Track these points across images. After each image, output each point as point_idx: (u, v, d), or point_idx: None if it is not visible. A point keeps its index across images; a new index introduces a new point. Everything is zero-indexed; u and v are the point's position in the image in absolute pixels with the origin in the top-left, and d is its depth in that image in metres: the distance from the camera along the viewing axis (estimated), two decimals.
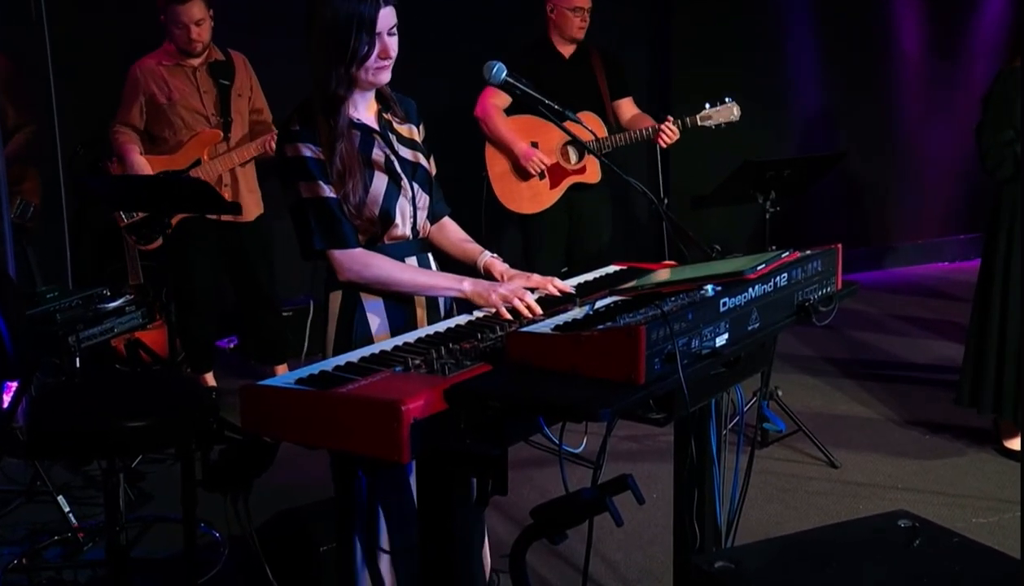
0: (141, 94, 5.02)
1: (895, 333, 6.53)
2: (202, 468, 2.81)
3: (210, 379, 5.37)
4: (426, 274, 2.65)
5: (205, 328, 5.40)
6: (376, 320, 2.63)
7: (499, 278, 2.72)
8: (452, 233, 2.88)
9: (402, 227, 2.66)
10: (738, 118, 4.95)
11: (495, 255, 2.82)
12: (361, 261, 2.57)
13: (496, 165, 5.05)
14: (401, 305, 2.66)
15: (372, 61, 2.53)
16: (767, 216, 4.62)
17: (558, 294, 2.64)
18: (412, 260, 2.70)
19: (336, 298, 2.66)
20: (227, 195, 5.06)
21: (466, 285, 2.59)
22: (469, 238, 2.90)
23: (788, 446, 4.62)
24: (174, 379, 3.76)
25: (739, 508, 2.77)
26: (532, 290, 2.65)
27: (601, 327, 2.01)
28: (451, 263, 2.86)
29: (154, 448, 3.85)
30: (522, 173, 5.03)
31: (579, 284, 2.86)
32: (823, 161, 4.85)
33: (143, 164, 4.96)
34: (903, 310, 7.11)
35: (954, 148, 8.19)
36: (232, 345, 6.23)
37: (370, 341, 2.58)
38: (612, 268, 3.07)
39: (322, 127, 2.53)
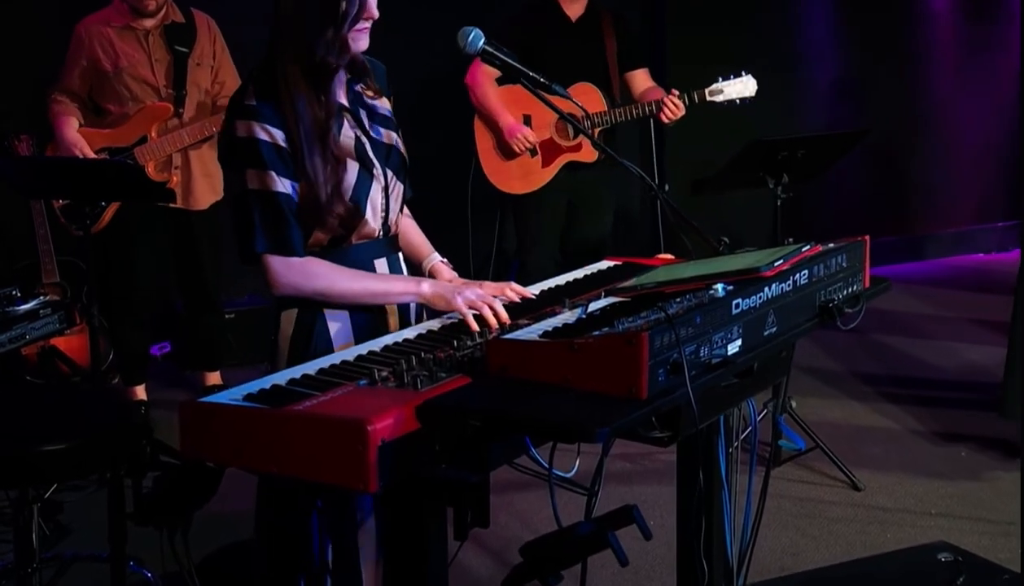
0: (84, 58, 4.96)
1: (925, 334, 6.56)
2: (133, 498, 2.78)
3: (140, 392, 5.35)
4: (377, 279, 2.59)
5: (143, 333, 5.39)
6: (339, 338, 2.58)
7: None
8: (409, 235, 2.86)
9: (372, 223, 2.60)
10: (754, 94, 5.02)
11: (444, 260, 2.82)
12: (300, 271, 2.50)
13: (484, 140, 5.17)
14: (369, 317, 2.62)
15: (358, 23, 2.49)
16: (778, 203, 4.64)
17: (517, 300, 2.60)
18: (382, 262, 2.66)
19: (289, 318, 2.59)
20: (176, 179, 5.03)
21: (425, 288, 2.55)
22: (419, 232, 2.89)
23: (803, 465, 4.63)
24: (98, 393, 3.73)
25: (752, 539, 2.77)
26: None
27: (597, 333, 2.01)
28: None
29: (75, 475, 3.81)
30: (505, 149, 5.14)
31: (568, 282, 2.86)
32: (843, 139, 4.86)
33: (75, 141, 4.88)
34: (934, 308, 7.15)
35: (991, 122, 8.24)
36: (164, 351, 6.19)
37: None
38: (605, 264, 3.08)
39: (296, 105, 2.44)
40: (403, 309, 2.69)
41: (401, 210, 2.74)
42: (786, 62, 7.75)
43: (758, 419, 2.78)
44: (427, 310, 2.69)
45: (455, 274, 2.78)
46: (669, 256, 5.18)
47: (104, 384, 5.24)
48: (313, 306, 2.56)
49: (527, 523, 4.16)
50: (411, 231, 2.88)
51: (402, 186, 2.69)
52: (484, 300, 2.48)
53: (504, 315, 2.47)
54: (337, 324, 2.58)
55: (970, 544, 3.68)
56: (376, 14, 2.52)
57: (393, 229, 2.70)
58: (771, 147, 4.52)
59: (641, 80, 5.27)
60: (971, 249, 8.59)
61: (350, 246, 2.59)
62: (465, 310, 2.47)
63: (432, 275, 2.77)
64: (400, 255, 2.77)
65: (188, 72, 5.03)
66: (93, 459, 2.80)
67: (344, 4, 2.44)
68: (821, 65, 7.99)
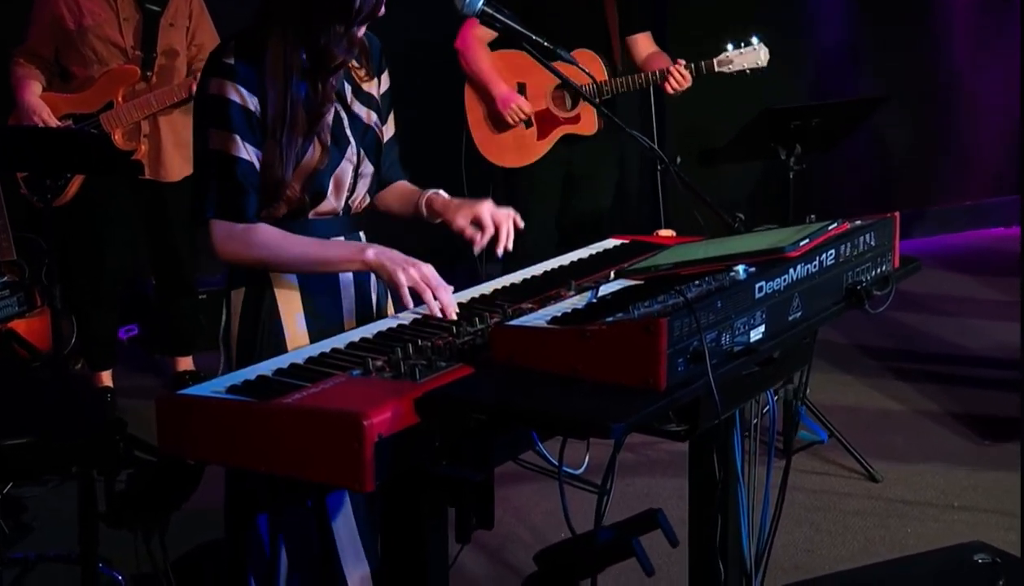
0: (47, 16, 4.90)
1: (940, 313, 6.53)
2: (105, 498, 2.73)
3: (106, 378, 5.30)
4: (319, 244, 2.57)
5: (112, 315, 5.35)
6: (289, 315, 2.60)
7: (440, 211, 2.68)
8: (398, 189, 2.84)
9: (334, 201, 2.61)
10: (765, 64, 4.91)
11: (437, 190, 2.75)
12: (243, 238, 2.50)
13: (475, 109, 5.09)
14: (321, 291, 2.62)
15: None
16: (791, 175, 4.61)
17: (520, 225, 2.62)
18: (339, 240, 2.65)
19: (239, 297, 2.63)
20: (143, 148, 4.97)
21: (370, 254, 2.48)
22: (414, 187, 2.86)
23: (817, 455, 4.61)
24: (64, 381, 3.68)
25: (770, 537, 2.74)
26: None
27: (610, 319, 1.98)
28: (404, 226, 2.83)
29: (40, 472, 3.76)
30: (497, 119, 5.06)
31: (572, 262, 2.83)
32: (860, 106, 4.86)
33: (36, 107, 4.83)
34: (949, 286, 7.12)
35: (1008, 90, 8.20)
36: (131, 334, 6.14)
37: (281, 340, 2.57)
38: (610, 242, 3.05)
39: (291, 82, 2.46)
40: (361, 287, 2.68)
41: (372, 192, 2.73)
42: (792, 26, 7.69)
43: (775, 407, 2.77)
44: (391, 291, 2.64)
45: (449, 197, 2.72)
46: (670, 232, 5.18)
47: (68, 370, 5.18)
48: (261, 283, 2.59)
49: (524, 519, 4.13)
50: (405, 191, 2.83)
51: (373, 168, 2.70)
52: (428, 283, 2.40)
53: (451, 310, 2.38)
54: (287, 300, 2.60)
55: (997, 539, 3.65)
56: (383, 12, 2.52)
57: (354, 209, 2.70)
58: (783, 116, 4.50)
59: (644, 45, 5.17)
60: (990, 223, 8.56)
61: (307, 220, 2.60)
62: (404, 290, 2.42)
63: (429, 206, 2.71)
64: (361, 234, 2.75)
65: (159, 33, 4.98)
66: (61, 455, 2.75)
67: (358, 1, 2.43)
68: (828, 29, 7.95)
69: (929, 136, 8.36)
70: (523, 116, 4.99)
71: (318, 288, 2.63)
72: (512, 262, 5.16)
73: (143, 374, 5.74)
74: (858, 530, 4.05)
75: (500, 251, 2.60)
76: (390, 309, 2.77)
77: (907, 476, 4.46)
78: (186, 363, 5.47)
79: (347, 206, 2.65)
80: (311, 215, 2.59)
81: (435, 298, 2.39)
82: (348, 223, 2.68)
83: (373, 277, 2.69)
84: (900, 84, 7.94)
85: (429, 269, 2.46)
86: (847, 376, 5.57)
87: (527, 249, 5.12)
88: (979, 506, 4.19)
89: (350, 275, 2.66)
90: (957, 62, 8.33)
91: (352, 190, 2.64)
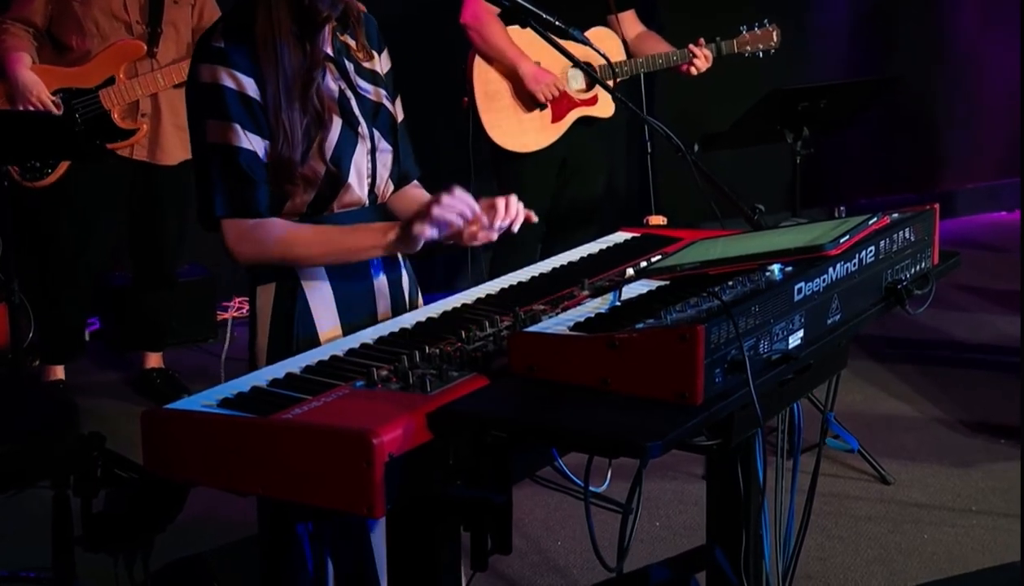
0: None
1: (950, 304, 6.47)
2: (82, 519, 2.63)
3: (59, 371, 5.20)
4: (342, 232, 2.47)
5: (83, 306, 5.27)
6: (325, 317, 2.49)
7: None
8: (412, 199, 2.72)
9: (358, 189, 2.51)
10: (777, 45, 4.94)
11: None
12: (256, 237, 2.41)
13: (487, 86, 4.90)
14: (354, 288, 2.53)
15: None
16: (798, 160, 4.56)
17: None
18: (362, 225, 2.54)
19: (267, 294, 2.51)
20: (145, 127, 4.90)
21: (392, 236, 2.41)
22: (427, 195, 2.74)
23: (825, 456, 4.52)
24: (28, 383, 3.59)
25: (796, 551, 2.68)
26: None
27: (641, 326, 1.90)
28: None
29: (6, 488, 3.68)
30: (524, 99, 4.89)
31: (582, 258, 2.76)
32: (870, 87, 4.82)
33: (31, 83, 4.70)
34: (958, 274, 7.04)
35: (1020, 68, 8.20)
36: (91, 329, 6.03)
37: (317, 344, 2.43)
38: (621, 236, 2.98)
39: (279, 50, 2.38)
40: (395, 288, 2.61)
41: (394, 178, 2.64)
42: (794, 3, 7.65)
43: (800, 414, 2.71)
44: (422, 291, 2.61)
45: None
46: (661, 218, 5.11)
47: (30, 370, 5.08)
48: (290, 279, 2.49)
49: (518, 527, 4.04)
50: (418, 194, 2.75)
51: (391, 149, 2.60)
52: (456, 209, 2.35)
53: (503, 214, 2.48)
54: (318, 298, 2.50)
55: (1017, 546, 3.61)
56: None
57: (380, 198, 2.61)
58: (791, 97, 4.46)
59: (630, 23, 5.07)
60: (994, 207, 8.55)
61: (332, 215, 2.50)
62: (431, 232, 2.34)
63: None
64: None
65: (164, 8, 4.91)
66: (32, 468, 2.65)
67: None
68: (832, 6, 7.90)
69: (937, 114, 8.37)
70: (557, 93, 4.84)
71: (351, 290, 2.54)
72: (498, 249, 5.11)
73: (105, 370, 5.63)
74: (872, 536, 4.00)
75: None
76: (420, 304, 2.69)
77: (920, 478, 4.42)
78: (156, 360, 5.37)
79: (372, 194, 2.57)
80: (336, 208, 2.50)
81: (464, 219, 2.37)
82: (376, 215, 2.59)
83: (405, 278, 2.66)
84: (907, 59, 7.96)
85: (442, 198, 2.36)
86: (852, 373, 5.49)
87: (514, 236, 5.07)
88: (999, 510, 4.14)
89: (384, 279, 2.59)
90: (966, 37, 8.32)
91: (373, 175, 2.55)
